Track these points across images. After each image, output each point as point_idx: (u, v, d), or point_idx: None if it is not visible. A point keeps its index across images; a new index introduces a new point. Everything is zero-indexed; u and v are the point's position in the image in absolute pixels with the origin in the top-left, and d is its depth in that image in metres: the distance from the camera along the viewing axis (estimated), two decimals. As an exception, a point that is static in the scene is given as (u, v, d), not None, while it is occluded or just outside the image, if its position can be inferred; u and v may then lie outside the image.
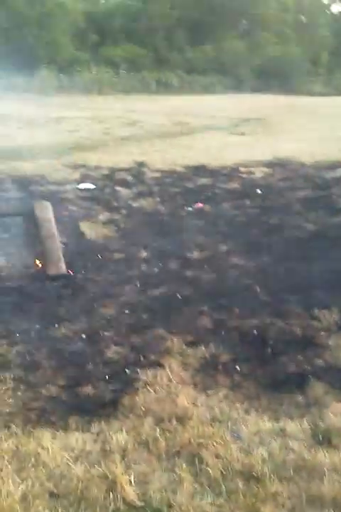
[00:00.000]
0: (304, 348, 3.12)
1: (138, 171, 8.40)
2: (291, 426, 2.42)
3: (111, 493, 1.97)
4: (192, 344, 3.14)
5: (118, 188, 7.20)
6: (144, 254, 4.81)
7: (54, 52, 23.35)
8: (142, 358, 2.94)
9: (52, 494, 1.97)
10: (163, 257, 4.70)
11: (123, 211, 6.24)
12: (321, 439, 2.33)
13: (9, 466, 2.11)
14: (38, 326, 3.26)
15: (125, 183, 7.54)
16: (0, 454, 2.17)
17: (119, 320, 3.42)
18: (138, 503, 1.94)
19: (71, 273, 4.08)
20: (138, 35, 29.04)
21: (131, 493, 1.97)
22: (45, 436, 2.29)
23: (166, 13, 30.68)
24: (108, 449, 2.23)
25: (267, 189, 7.37)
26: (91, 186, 7.21)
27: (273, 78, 27.79)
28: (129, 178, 7.92)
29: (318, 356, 3.03)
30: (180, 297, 3.82)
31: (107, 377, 2.74)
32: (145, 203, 6.64)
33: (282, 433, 2.37)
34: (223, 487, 2.03)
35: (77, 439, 2.29)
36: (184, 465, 2.14)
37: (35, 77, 20.77)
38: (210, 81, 28.58)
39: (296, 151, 9.98)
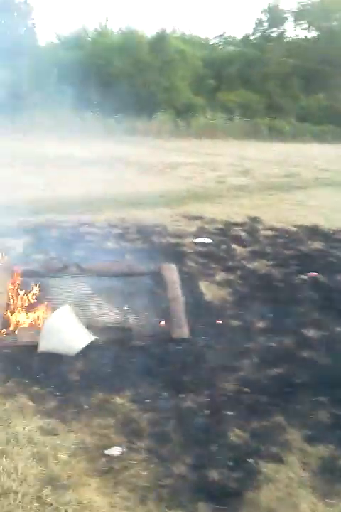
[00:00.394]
0: None
1: (251, 227, 8.55)
2: None
3: None
4: (310, 439, 3.13)
5: (233, 246, 7.40)
6: (260, 324, 4.90)
7: (172, 97, 24.60)
8: (262, 448, 3.02)
9: None
10: (278, 331, 4.74)
11: (238, 272, 6.39)
12: None
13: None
14: (165, 393, 3.48)
15: (239, 240, 7.72)
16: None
17: (239, 399, 3.53)
18: None
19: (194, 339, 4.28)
20: (253, 81, 29.67)
21: None
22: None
23: (282, 61, 31.05)
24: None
25: None
26: (208, 241, 7.48)
27: None
28: (243, 234, 8.10)
29: None
30: (297, 381, 3.85)
31: (230, 463, 2.85)
32: (258, 265, 6.73)
33: None
34: None
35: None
36: None
37: (153, 121, 22.01)
38: (322, 130, 28.26)
39: None
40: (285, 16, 36.52)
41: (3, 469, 2.62)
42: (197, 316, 4.85)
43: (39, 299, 4.65)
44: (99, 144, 19.38)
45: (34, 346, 3.93)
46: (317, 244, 7.83)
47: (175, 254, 6.60)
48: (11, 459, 2.71)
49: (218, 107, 26.03)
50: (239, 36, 36.49)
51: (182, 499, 2.57)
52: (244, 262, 6.78)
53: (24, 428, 2.99)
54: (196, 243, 7.33)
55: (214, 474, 2.77)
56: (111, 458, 2.83)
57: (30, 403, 3.27)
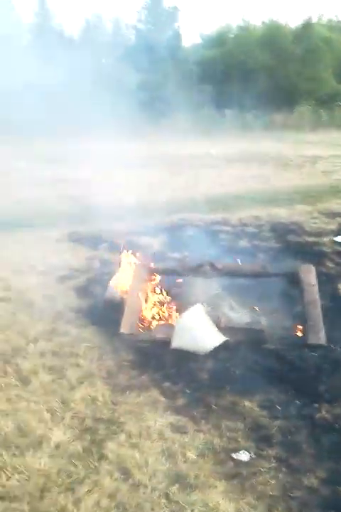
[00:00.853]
0: None
1: None
2: None
3: None
4: None
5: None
6: None
7: (315, 87, 23.48)
8: None
9: None
10: None
11: None
12: None
13: None
14: (298, 402, 3.33)
15: None
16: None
17: None
18: None
19: (332, 346, 4.03)
20: None
21: None
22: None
23: None
24: None
25: None
26: (350, 239, 6.99)
27: None
28: None
29: None
30: None
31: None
32: None
33: None
34: None
35: None
36: None
37: (294, 113, 21.24)
38: None
39: None
40: None
41: (135, 462, 2.74)
42: (336, 321, 4.55)
43: (173, 297, 4.78)
44: (238, 140, 19.33)
45: (167, 342, 4.05)
46: None
47: (312, 253, 6.28)
48: (142, 452, 2.82)
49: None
50: None
51: (312, 514, 2.43)
52: None
53: (155, 423, 3.09)
54: (336, 242, 6.89)
55: (345, 493, 2.57)
56: (239, 462, 2.79)
57: (162, 398, 3.37)
